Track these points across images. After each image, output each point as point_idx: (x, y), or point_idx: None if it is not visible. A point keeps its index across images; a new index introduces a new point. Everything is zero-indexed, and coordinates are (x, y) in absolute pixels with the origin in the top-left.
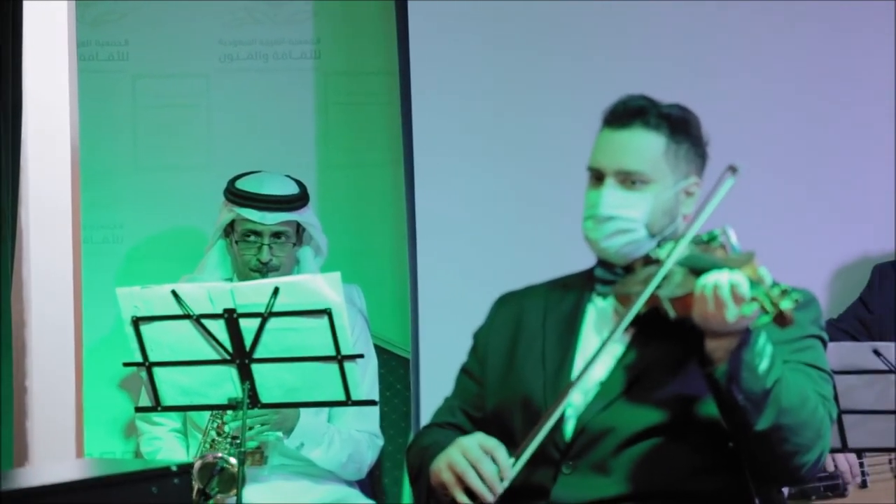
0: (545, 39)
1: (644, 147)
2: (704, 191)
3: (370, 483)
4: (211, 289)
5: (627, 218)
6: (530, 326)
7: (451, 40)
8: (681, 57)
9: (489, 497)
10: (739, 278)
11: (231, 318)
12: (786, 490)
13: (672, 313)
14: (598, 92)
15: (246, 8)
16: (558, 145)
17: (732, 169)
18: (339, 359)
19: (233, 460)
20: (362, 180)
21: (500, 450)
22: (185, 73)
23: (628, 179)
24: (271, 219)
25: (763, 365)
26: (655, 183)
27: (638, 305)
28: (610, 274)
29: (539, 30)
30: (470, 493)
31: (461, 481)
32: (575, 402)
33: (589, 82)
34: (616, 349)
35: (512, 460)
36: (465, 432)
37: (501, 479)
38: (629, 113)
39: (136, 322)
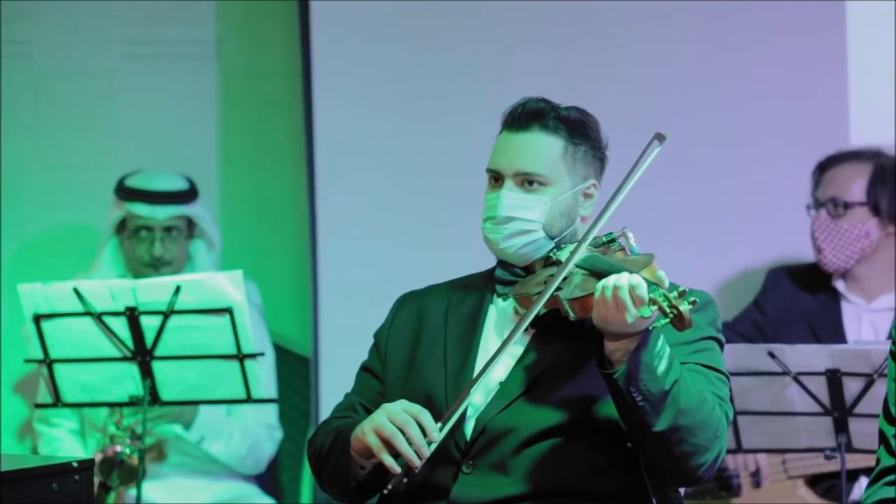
0: (447, 41)
1: (542, 149)
2: (604, 194)
3: (269, 480)
4: (113, 286)
5: (526, 219)
6: (432, 327)
7: (353, 41)
8: (582, 58)
9: (416, 461)
10: (638, 280)
11: (132, 315)
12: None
13: (572, 315)
14: (498, 94)
15: (151, 7)
16: (459, 147)
17: (660, 137)
18: (241, 357)
19: (131, 452)
20: (264, 179)
21: (424, 414)
22: (88, 71)
23: (526, 181)
24: (161, 213)
25: (661, 366)
26: (553, 185)
27: (538, 307)
28: (510, 275)
29: (441, 31)
30: (396, 457)
31: (388, 445)
32: (475, 402)
33: (489, 84)
34: (516, 350)
35: (438, 424)
36: None
37: (429, 443)
38: (527, 115)
39: (38, 319)
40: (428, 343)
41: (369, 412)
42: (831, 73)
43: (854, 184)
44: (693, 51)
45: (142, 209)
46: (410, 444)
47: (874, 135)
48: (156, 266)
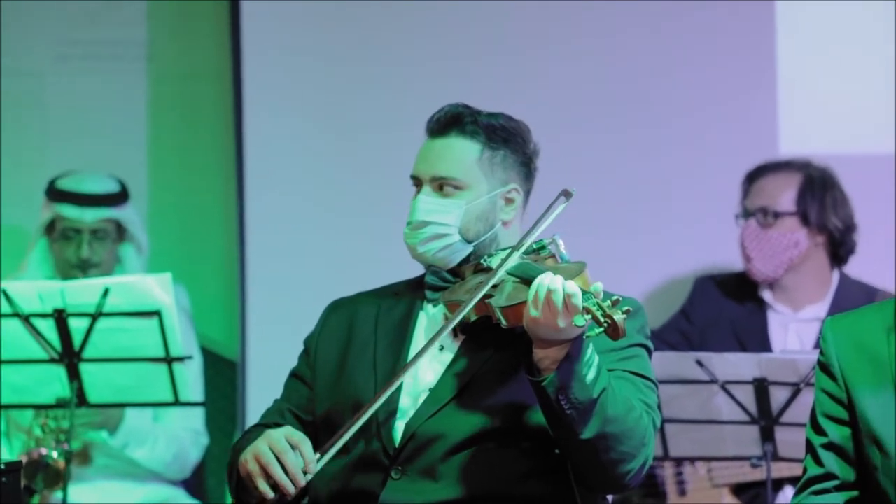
0: (380, 45)
1: (457, 153)
2: (536, 206)
3: (195, 483)
4: (41, 288)
5: (440, 223)
6: (362, 333)
7: (284, 44)
8: (518, 61)
9: (290, 489)
10: (574, 289)
11: (60, 317)
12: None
13: (504, 322)
14: (429, 99)
15: (81, 8)
16: (389, 152)
17: (567, 194)
18: (169, 360)
19: (55, 454)
20: (193, 182)
21: (305, 444)
22: (18, 71)
23: (442, 185)
24: (90, 215)
25: (590, 375)
26: (469, 189)
27: (462, 313)
28: (440, 281)
29: (374, 35)
30: (274, 484)
31: (265, 472)
32: (404, 408)
33: (420, 89)
34: (446, 356)
35: (317, 455)
36: None
37: (305, 473)
38: (447, 121)
39: None
40: (358, 349)
41: (298, 418)
42: (760, 80)
43: (784, 193)
44: (621, 57)
45: (70, 211)
46: (286, 472)
47: (803, 144)
48: (83, 268)
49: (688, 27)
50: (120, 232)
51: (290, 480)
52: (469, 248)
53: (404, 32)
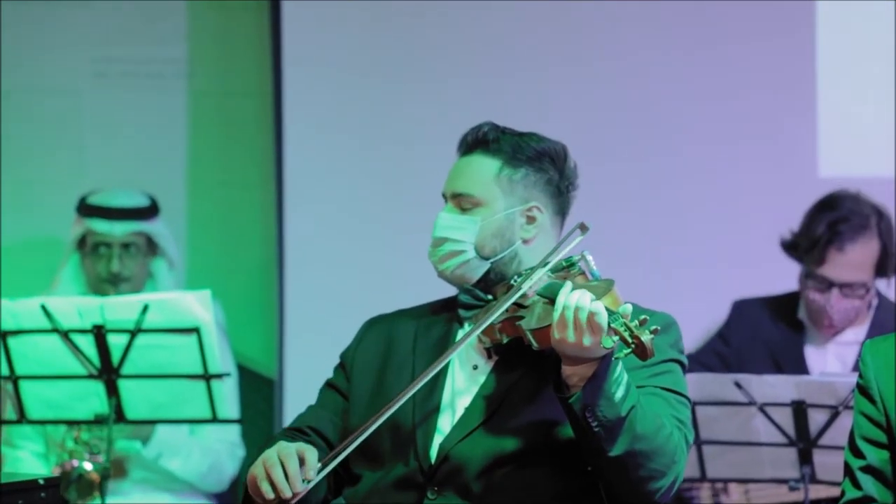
0: (419, 61)
1: (477, 171)
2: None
3: (231, 499)
4: (80, 303)
5: (456, 240)
6: (400, 351)
7: (324, 59)
8: (543, 81)
9: (287, 492)
10: (598, 308)
11: (99, 333)
12: None
13: (535, 345)
14: (466, 114)
15: (120, 26)
16: (427, 170)
17: (583, 227)
18: (207, 377)
19: (88, 466)
20: (231, 200)
21: (311, 452)
22: (57, 88)
23: (461, 202)
24: (120, 229)
25: (619, 393)
26: (486, 205)
27: (477, 332)
28: (472, 299)
29: (413, 50)
30: (275, 487)
31: (268, 475)
32: (442, 428)
33: (458, 104)
34: (480, 377)
35: (319, 465)
36: (323, 438)
37: (306, 481)
38: (475, 141)
39: (4, 335)
40: (396, 367)
41: (330, 423)
42: (799, 104)
43: (869, 265)
44: (659, 82)
45: (100, 225)
46: (287, 477)
47: (843, 166)
48: (114, 282)
49: (725, 51)
50: (151, 246)
51: (289, 485)
52: (486, 265)
53: (443, 48)
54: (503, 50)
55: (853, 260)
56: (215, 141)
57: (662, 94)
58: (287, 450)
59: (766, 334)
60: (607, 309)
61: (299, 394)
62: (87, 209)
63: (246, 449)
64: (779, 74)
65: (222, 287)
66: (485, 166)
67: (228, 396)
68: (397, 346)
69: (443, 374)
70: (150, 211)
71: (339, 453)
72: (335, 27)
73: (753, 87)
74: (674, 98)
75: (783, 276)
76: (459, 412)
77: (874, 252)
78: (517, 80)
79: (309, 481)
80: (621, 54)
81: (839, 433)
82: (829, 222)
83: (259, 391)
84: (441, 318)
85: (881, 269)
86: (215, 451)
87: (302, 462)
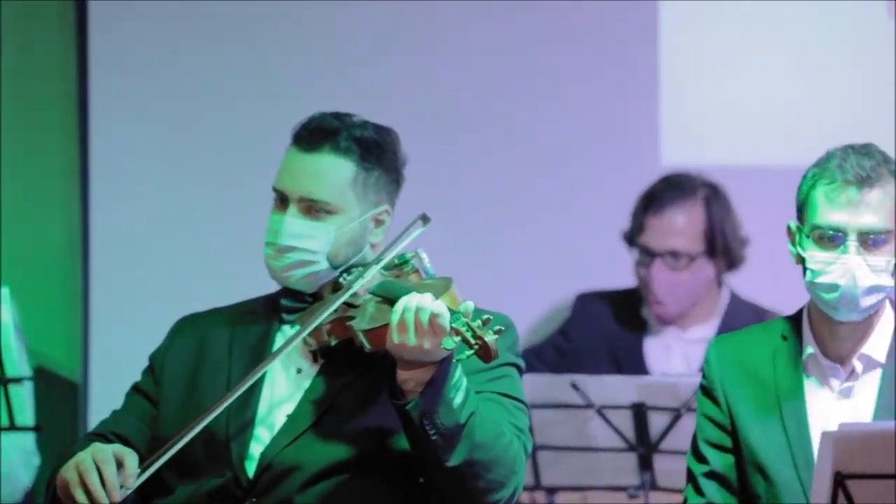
0: (227, 55)
1: (331, 175)
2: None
3: None
4: None
5: (307, 249)
6: (214, 354)
7: (132, 50)
8: (383, 62)
9: (103, 501)
10: (441, 308)
11: None
12: None
13: (367, 346)
14: (279, 109)
15: None
16: (239, 163)
17: (425, 218)
18: (4, 381)
19: None
20: (33, 187)
21: (130, 458)
22: None
23: (312, 208)
24: None
25: (458, 399)
26: (341, 213)
27: (303, 334)
28: (297, 302)
29: (226, 47)
30: (90, 495)
31: (83, 481)
32: (260, 436)
33: (269, 100)
34: (304, 381)
35: (138, 470)
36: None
37: (124, 487)
38: (319, 135)
39: None
40: (210, 371)
41: (135, 430)
42: (641, 90)
43: (692, 232)
44: (491, 64)
45: None
46: (104, 484)
47: (685, 155)
48: None
49: (564, 31)
50: None
51: (106, 492)
52: (335, 274)
53: (261, 36)
54: (333, 41)
55: (673, 225)
56: (16, 125)
57: (504, 87)
58: (103, 453)
59: (607, 330)
60: (448, 308)
61: (105, 398)
62: None
63: (46, 458)
64: (621, 65)
65: (19, 283)
66: (338, 170)
67: (26, 402)
68: (211, 348)
69: (260, 379)
70: None
71: (157, 458)
72: (144, 15)
73: (595, 79)
74: (516, 90)
75: (628, 269)
76: (281, 419)
77: (698, 221)
78: (352, 73)
79: (127, 488)
80: (463, 46)
81: (681, 437)
82: (650, 191)
83: (60, 395)
84: (260, 318)
85: (711, 247)
86: (8, 462)
87: (120, 467)
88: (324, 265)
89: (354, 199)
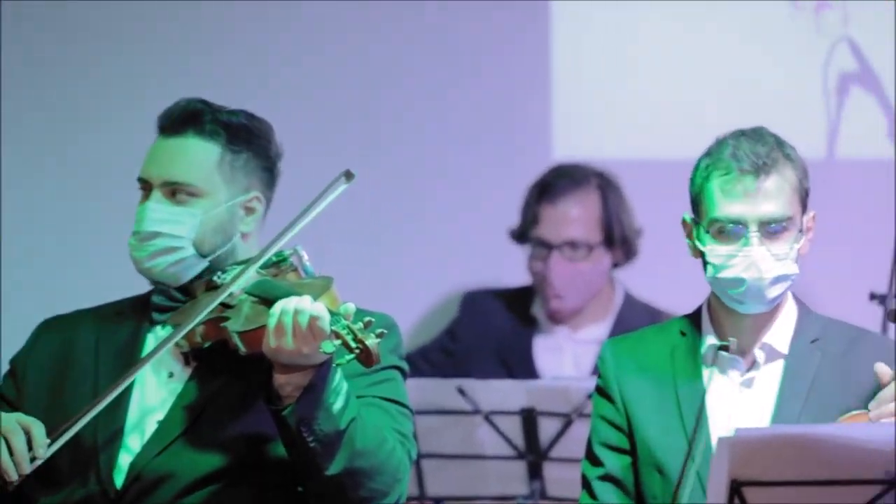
0: (112, 45)
1: (194, 157)
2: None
3: None
4: None
5: (172, 235)
6: (81, 359)
7: (37, 35)
8: (254, 57)
9: (13, 474)
10: (320, 311)
11: None
12: None
13: (242, 348)
14: (152, 94)
15: None
16: (106, 149)
17: (348, 175)
18: None
19: None
20: None
21: (37, 427)
22: None
23: (176, 192)
24: None
25: (338, 404)
26: (206, 196)
27: (182, 332)
28: (168, 301)
29: (105, 36)
30: None
31: None
32: (129, 444)
33: (148, 88)
34: (175, 385)
35: (48, 441)
36: None
37: (34, 460)
38: (183, 119)
39: None
40: (76, 376)
41: None
42: (533, 83)
43: (589, 221)
44: (378, 56)
45: None
46: (12, 455)
47: (577, 147)
48: None
49: (455, 26)
50: None
51: (15, 465)
52: (204, 263)
53: (136, 22)
54: (218, 31)
55: (568, 214)
56: None
57: (394, 81)
58: (10, 424)
59: (496, 330)
60: (328, 310)
61: None
62: None
63: None
64: (513, 60)
65: None
66: (203, 151)
67: None
68: (76, 351)
69: (130, 384)
70: None
71: (69, 428)
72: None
73: (487, 73)
74: (406, 84)
75: (519, 266)
76: (152, 426)
77: (594, 210)
78: (235, 66)
79: (39, 459)
80: (352, 37)
81: (573, 444)
82: (542, 182)
83: None
84: (129, 320)
85: (608, 236)
86: None
87: (28, 438)
88: (189, 251)
89: (221, 183)
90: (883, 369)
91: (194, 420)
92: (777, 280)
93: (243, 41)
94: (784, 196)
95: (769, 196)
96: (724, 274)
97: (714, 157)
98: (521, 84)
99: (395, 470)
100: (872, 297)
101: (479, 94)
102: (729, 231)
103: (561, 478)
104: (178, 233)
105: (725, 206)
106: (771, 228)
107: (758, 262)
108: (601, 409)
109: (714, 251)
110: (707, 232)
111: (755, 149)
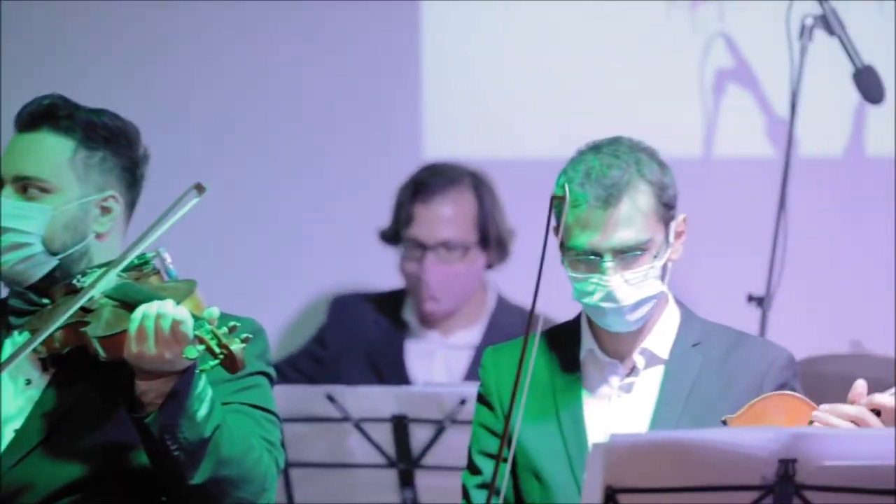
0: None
1: (46, 151)
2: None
3: None
4: None
5: (20, 230)
6: None
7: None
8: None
9: None
10: (183, 315)
11: None
12: None
13: (102, 354)
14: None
15: None
16: None
17: (199, 188)
18: None
19: None
20: None
21: None
22: None
23: (27, 187)
24: None
25: (202, 411)
26: (57, 192)
27: (39, 339)
28: (25, 304)
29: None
30: None
31: None
32: None
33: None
34: (33, 393)
35: None
36: None
37: None
38: (38, 114)
39: None
40: None
41: None
42: (404, 84)
43: (464, 221)
44: (253, 52)
45: None
46: None
47: (448, 148)
48: None
49: (325, 24)
50: None
51: None
52: (53, 262)
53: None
54: (102, 27)
55: (442, 214)
56: None
57: (260, 80)
58: None
59: (366, 335)
60: (192, 314)
61: None
62: None
63: None
64: (383, 59)
65: None
66: (57, 147)
67: None
68: None
69: None
70: None
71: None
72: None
73: (356, 73)
74: (273, 83)
75: (389, 269)
76: (9, 435)
77: (469, 210)
78: (120, 61)
79: None
80: (221, 44)
81: (445, 451)
82: (415, 181)
83: None
84: None
85: (483, 237)
86: None
87: None
88: (38, 248)
89: (74, 179)
90: (859, 388)
91: (53, 428)
92: (637, 305)
93: (119, 41)
94: (638, 221)
95: (620, 225)
96: (585, 300)
97: (569, 175)
98: (391, 83)
99: (262, 479)
100: (750, 298)
101: (347, 93)
102: (584, 261)
103: (433, 486)
104: (27, 228)
105: (579, 237)
106: (626, 256)
107: (614, 291)
108: (481, 417)
109: (574, 278)
110: (565, 257)
111: (607, 173)
